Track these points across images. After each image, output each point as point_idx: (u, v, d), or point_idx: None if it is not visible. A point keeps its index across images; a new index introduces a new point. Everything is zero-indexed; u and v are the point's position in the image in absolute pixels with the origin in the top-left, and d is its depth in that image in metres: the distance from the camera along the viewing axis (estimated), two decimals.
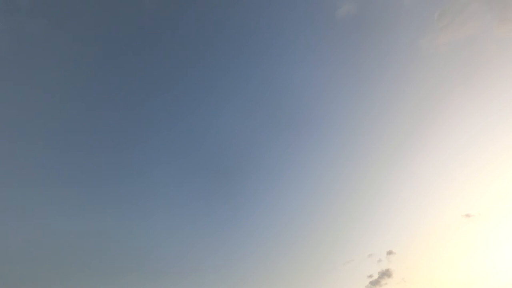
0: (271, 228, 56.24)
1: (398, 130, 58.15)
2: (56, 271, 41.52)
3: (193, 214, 54.29)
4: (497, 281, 43.41)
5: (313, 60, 60.35)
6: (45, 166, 46.13)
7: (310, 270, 51.47)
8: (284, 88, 61.57)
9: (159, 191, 53.73)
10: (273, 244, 54.56)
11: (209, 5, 55.81)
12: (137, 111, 55.61)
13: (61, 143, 48.16)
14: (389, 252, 49.40)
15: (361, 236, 54.02)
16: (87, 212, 46.82)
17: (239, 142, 60.28)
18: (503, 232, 47.10)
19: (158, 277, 46.08)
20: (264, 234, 55.57)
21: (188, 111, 58.97)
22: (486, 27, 50.40)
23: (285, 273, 51.20)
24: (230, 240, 53.69)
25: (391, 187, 56.53)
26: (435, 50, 54.42)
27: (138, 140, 55.22)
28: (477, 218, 49.19)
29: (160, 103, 57.51)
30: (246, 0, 57.45)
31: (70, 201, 46.40)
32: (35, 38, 44.42)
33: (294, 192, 59.64)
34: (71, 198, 46.56)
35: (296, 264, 52.67)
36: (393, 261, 48.77)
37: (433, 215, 52.19)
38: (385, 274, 47.87)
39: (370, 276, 48.21)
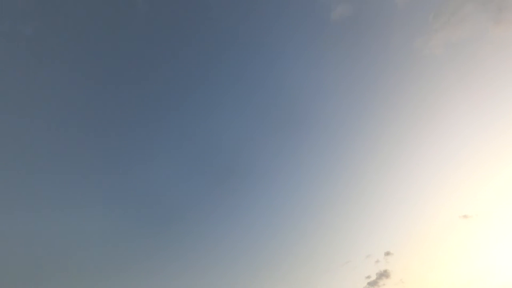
0: (267, 229, 56.36)
1: (394, 131, 58.44)
2: (56, 271, 41.66)
3: (190, 214, 54.41)
4: (495, 282, 43.55)
5: (308, 61, 60.68)
6: (44, 167, 46.39)
7: (307, 271, 51.51)
8: (280, 87, 61.96)
9: (155, 191, 53.74)
10: (269, 245, 54.63)
11: (205, 4, 55.73)
12: (132, 112, 55.64)
13: (60, 143, 48.19)
14: (387, 253, 49.51)
15: (358, 237, 54.11)
16: (87, 211, 47.13)
17: (235, 142, 60.59)
18: (501, 233, 47.36)
19: (157, 277, 46.19)
20: (261, 234, 55.71)
21: (183, 111, 59.12)
22: (481, 28, 50.82)
23: (282, 274, 51.23)
24: (226, 240, 53.70)
25: (388, 188, 56.79)
26: (430, 51, 54.76)
27: (134, 139, 55.28)
28: (474, 219, 49.47)
29: (155, 103, 57.54)
30: (241, 0, 57.37)
31: (70, 201, 46.71)
32: (28, 40, 44.44)
33: (290, 192, 59.82)
34: (71, 198, 46.90)
35: (293, 265, 52.73)
36: (391, 262, 48.88)
37: (431, 216, 52.41)
38: (383, 275, 47.91)
39: (368, 277, 48.28)
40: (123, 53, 53.38)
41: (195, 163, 58.10)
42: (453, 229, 50.13)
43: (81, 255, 44.52)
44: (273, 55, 60.53)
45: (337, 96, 61.66)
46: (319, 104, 62.00)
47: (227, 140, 59.98)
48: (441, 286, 46.17)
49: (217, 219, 54.87)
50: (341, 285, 48.93)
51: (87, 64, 50.33)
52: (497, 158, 50.93)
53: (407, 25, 56.17)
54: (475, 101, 52.95)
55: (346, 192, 58.70)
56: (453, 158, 54.18)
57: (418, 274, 48.02)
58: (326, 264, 52.20)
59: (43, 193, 45.29)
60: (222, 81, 60.33)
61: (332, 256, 52.97)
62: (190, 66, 58.79)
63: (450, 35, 52.18)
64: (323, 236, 55.12)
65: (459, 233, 49.61)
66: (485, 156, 52.24)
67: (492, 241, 47.69)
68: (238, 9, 57.71)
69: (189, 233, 53.08)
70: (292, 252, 53.87)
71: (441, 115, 54.76)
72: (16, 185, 43.39)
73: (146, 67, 55.72)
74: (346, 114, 61.30)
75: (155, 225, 51.75)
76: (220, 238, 53.36)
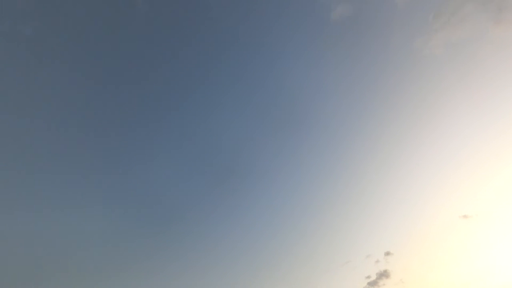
0: (267, 229, 56.39)
1: (394, 131, 58.45)
2: (57, 271, 41.66)
3: (190, 214, 54.42)
4: (495, 282, 43.60)
5: (308, 61, 60.68)
6: (44, 166, 46.34)
7: (307, 271, 51.54)
8: (280, 87, 61.94)
9: (155, 191, 53.73)
10: (269, 245, 54.66)
11: (204, 5, 55.73)
12: (132, 112, 55.60)
13: (60, 143, 48.12)
14: (387, 253, 49.53)
15: (358, 237, 54.14)
16: (87, 211, 47.11)
17: (235, 142, 60.58)
18: (501, 233, 47.37)
19: (158, 277, 46.21)
20: (261, 234, 55.74)
21: (183, 111, 59.08)
22: (481, 28, 50.81)
23: (281, 274, 51.25)
24: (226, 240, 53.73)
25: (388, 188, 56.82)
26: (430, 51, 54.74)
27: (134, 139, 55.24)
28: (474, 219, 49.47)
29: (155, 103, 57.50)
30: (241, 0, 57.38)
31: (71, 201, 46.69)
32: (28, 40, 44.44)
33: (290, 192, 59.82)
34: (71, 198, 46.87)
35: (293, 265, 52.77)
36: (391, 262, 48.89)
37: (431, 216, 52.45)
38: (383, 275, 47.91)
39: (368, 277, 48.28)
40: (123, 53, 53.46)
41: (195, 163, 58.22)
42: (453, 229, 50.33)
43: (81, 255, 44.68)
44: (273, 55, 60.62)
45: (337, 96, 61.77)
46: (318, 104, 62.09)
47: (226, 140, 60.15)
48: (441, 286, 46.30)
49: (217, 219, 55.05)
50: (341, 285, 49.06)
51: (87, 64, 50.40)
52: (497, 158, 51.12)
53: (407, 25, 56.21)
54: (475, 101, 53.11)
55: (346, 192, 58.87)
56: (453, 158, 54.39)
57: (418, 274, 48.18)
58: (326, 264, 52.38)
59: (44, 193, 45.37)
60: (221, 81, 60.42)
61: (332, 256, 53.15)
62: (190, 66, 58.86)
63: (450, 35, 52.19)
64: (323, 236, 55.30)
65: (459, 233, 49.82)
66: (485, 156, 52.44)
67: (492, 241, 47.89)
68: (238, 9, 57.79)
69: (189, 233, 53.28)
70: (292, 252, 54.06)
71: (441, 115, 54.92)
72: (16, 185, 43.43)
73: (146, 67, 55.78)
74: (346, 114, 61.42)
75: (155, 225, 51.89)
76: (220, 238, 53.55)
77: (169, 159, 56.91)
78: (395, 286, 46.85)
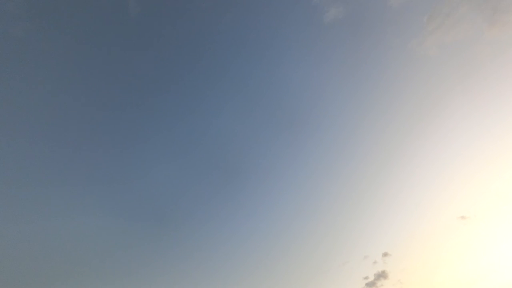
0: (267, 229, 56.64)
1: (391, 132, 58.83)
2: (57, 272, 41.75)
3: (192, 214, 54.79)
4: (493, 282, 43.54)
5: (307, 63, 60.98)
6: (42, 168, 46.66)
7: (305, 272, 51.70)
8: (280, 89, 62.66)
9: (159, 191, 53.97)
10: (269, 245, 54.93)
11: (208, 6, 55.67)
12: (136, 112, 56.44)
13: (59, 144, 48.61)
14: (385, 254, 49.66)
15: (356, 238, 54.33)
16: (88, 213, 47.28)
17: (237, 143, 61.06)
18: (499, 234, 47.47)
19: (158, 277, 46.33)
20: (261, 235, 55.94)
21: (188, 111, 59.88)
22: (476, 30, 51.32)
23: (280, 274, 51.38)
24: (227, 241, 54.02)
25: (386, 189, 57.01)
26: (424, 52, 55.12)
27: (138, 140, 56.00)
28: (472, 220, 49.57)
29: (160, 103, 58.47)
30: (245, 2, 57.22)
31: (71, 202, 46.86)
32: (20, 42, 44.40)
33: (289, 194, 60.12)
34: (72, 199, 47.04)
35: (291, 266, 52.94)
36: (388, 263, 48.99)
37: (429, 217, 52.64)
38: (381, 275, 47.99)
39: (366, 277, 48.36)
40: (121, 55, 53.14)
41: (198, 166, 58.80)
42: (451, 230, 50.43)
43: (87, 257, 44.80)
44: (276, 56, 61.42)
45: (333, 98, 62.21)
46: (314, 106, 62.59)
47: (229, 143, 60.64)
48: (439, 286, 46.50)
49: (218, 221, 55.41)
50: (339, 285, 49.17)
51: (83, 65, 50.35)
52: (495, 159, 51.28)
53: (401, 27, 56.74)
54: (470, 102, 53.42)
55: (344, 193, 59.16)
56: (451, 159, 54.60)
57: (416, 275, 48.24)
58: (324, 265, 52.55)
59: (53, 198, 45.49)
60: (224, 86, 61.26)
61: (330, 257, 53.31)
62: (195, 71, 58.90)
63: (445, 36, 52.62)
64: (321, 237, 55.47)
65: (457, 234, 49.84)
66: (482, 157, 52.60)
67: (490, 242, 47.97)
68: (244, 11, 57.97)
69: (191, 234, 53.55)
70: (291, 253, 54.24)
71: (437, 116, 55.16)
72: (24, 194, 43.52)
73: (149, 70, 55.84)
74: (341, 116, 61.86)
75: (160, 226, 52.21)
76: (221, 238, 53.88)
77: (174, 162, 57.77)
78: (393, 286, 47.03)
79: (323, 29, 58.56)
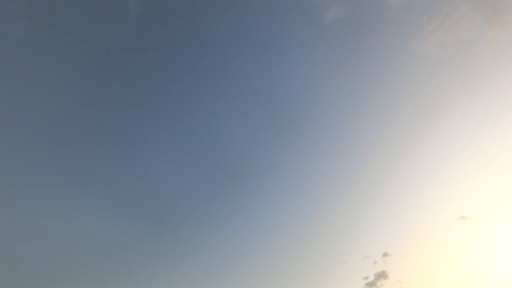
0: (267, 229, 56.73)
1: (391, 132, 58.85)
2: (57, 272, 41.83)
3: (192, 214, 54.83)
4: (492, 282, 43.61)
5: (307, 63, 61.11)
6: (42, 168, 46.67)
7: (305, 272, 51.71)
8: (280, 89, 62.86)
9: (159, 191, 54.02)
10: (269, 245, 54.96)
11: (208, 6, 55.84)
12: (136, 111, 56.41)
13: (59, 144, 48.64)
14: (385, 254, 49.68)
15: (356, 238, 54.35)
16: (88, 213, 47.33)
17: (237, 143, 61.03)
18: (499, 234, 47.48)
19: (158, 277, 46.36)
20: (261, 234, 56.01)
21: (187, 112, 59.92)
22: (476, 30, 51.33)
23: (280, 274, 51.40)
24: (226, 241, 54.08)
25: (386, 189, 57.00)
26: (424, 52, 55.11)
27: (138, 140, 56.02)
28: (472, 220, 49.57)
29: (160, 103, 58.46)
30: (245, 2, 57.28)
31: (71, 202, 46.92)
32: (20, 42, 44.46)
33: (290, 194, 60.19)
34: (72, 199, 47.09)
35: (291, 266, 52.95)
36: (388, 262, 49.02)
37: (429, 217, 52.64)
38: (381, 275, 48.00)
39: (366, 277, 48.38)
40: (124, 55, 53.49)
41: (199, 167, 58.91)
42: (451, 230, 50.45)
43: (87, 257, 44.86)
44: (275, 56, 61.39)
45: (332, 98, 62.23)
46: (314, 106, 62.64)
47: (229, 143, 60.62)
48: (439, 286, 46.53)
49: (218, 221, 55.50)
50: (339, 285, 49.17)
51: (86, 65, 50.66)
52: (495, 159, 51.32)
53: (401, 27, 56.70)
54: (470, 102, 53.42)
55: (344, 193, 59.16)
56: (451, 159, 54.59)
57: (416, 275, 48.26)
58: (324, 265, 52.57)
59: (53, 199, 45.60)
60: (223, 86, 61.34)
61: (330, 257, 53.35)
62: (194, 71, 59.07)
63: (445, 36, 52.64)
64: (321, 237, 55.50)
65: (457, 234, 49.87)
66: (482, 157, 52.62)
67: (490, 241, 47.97)
68: (245, 11, 58.12)
69: (190, 233, 53.59)
70: (290, 253, 54.26)
71: (436, 116, 55.16)
72: (24, 194, 43.65)
73: (151, 70, 56.06)
74: (341, 116, 61.90)
75: (160, 226, 52.27)
76: (220, 238, 53.92)
77: (174, 162, 57.82)
78: (393, 286, 47.04)
79: (323, 29, 58.73)
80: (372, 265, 49.35)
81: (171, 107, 58.69)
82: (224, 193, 57.58)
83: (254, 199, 58.39)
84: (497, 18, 47.33)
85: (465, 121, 53.56)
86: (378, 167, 57.95)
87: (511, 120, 49.91)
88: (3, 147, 42.66)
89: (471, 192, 52.05)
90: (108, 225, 47.41)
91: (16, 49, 44.45)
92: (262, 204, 58.15)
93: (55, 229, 43.71)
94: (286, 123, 62.72)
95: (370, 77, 59.63)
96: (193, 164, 58.19)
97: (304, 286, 49.53)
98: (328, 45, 59.52)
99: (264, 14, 58.36)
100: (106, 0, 49.72)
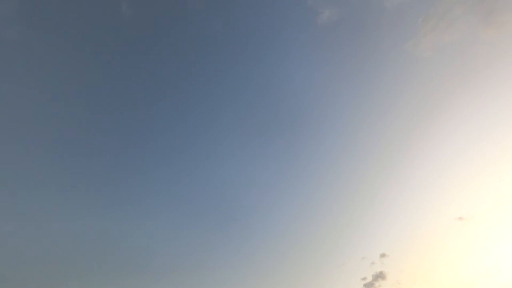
0: (264, 231, 56.97)
1: (388, 135, 59.08)
2: (58, 272, 42.23)
3: (193, 216, 54.93)
4: (490, 283, 43.83)
5: (301, 66, 61.18)
6: (42, 169, 46.52)
7: (303, 273, 51.91)
8: (276, 92, 62.61)
9: (160, 191, 54.51)
10: (266, 247, 55.19)
11: (201, 9, 55.70)
12: (136, 113, 56.28)
13: (60, 145, 48.82)
14: (382, 255, 49.84)
15: (353, 239, 54.71)
16: (89, 213, 47.67)
17: (236, 144, 60.80)
18: (496, 235, 47.66)
19: (159, 278, 46.72)
20: (258, 236, 56.20)
21: (188, 112, 59.92)
22: (471, 31, 51.59)
23: (277, 276, 51.57)
24: (225, 242, 54.35)
25: (383, 191, 57.16)
26: (420, 54, 55.27)
27: (138, 141, 56.08)
28: (470, 221, 49.71)
29: (160, 104, 58.40)
30: (237, 5, 57.10)
31: (72, 202, 47.22)
32: (14, 45, 44.50)
33: (288, 195, 60.38)
34: (72, 199, 47.42)
35: (289, 267, 53.21)
36: (386, 263, 49.22)
37: (426, 218, 52.90)
38: (379, 276, 48.16)
39: (364, 278, 48.59)
40: (120, 58, 53.35)
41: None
42: (448, 231, 50.60)
43: (87, 257, 45.26)
44: (264, 62, 61.56)
45: (327, 101, 62.39)
46: (310, 109, 62.60)
47: (231, 141, 60.42)
48: (437, 286, 46.72)
49: (217, 221, 55.58)
50: (337, 287, 49.40)
51: (80, 68, 50.32)
52: (492, 160, 51.52)
53: (396, 28, 56.84)
54: (467, 103, 53.61)
55: (341, 195, 59.52)
56: (448, 161, 54.79)
57: (414, 276, 48.41)
58: (322, 266, 52.89)
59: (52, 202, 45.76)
60: (219, 90, 61.14)
61: (328, 258, 53.66)
62: (189, 77, 59.25)
63: (440, 37, 52.87)
64: (319, 239, 55.74)
65: (454, 235, 50.05)
66: (478, 158, 52.84)
67: (487, 243, 48.14)
68: (245, 11, 57.74)
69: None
70: (288, 255, 54.56)
71: (433, 117, 55.37)
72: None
73: (147, 75, 56.25)
74: (337, 119, 62.03)
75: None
76: (220, 239, 54.18)
77: (174, 162, 57.68)
78: (391, 287, 47.26)
79: (317, 31, 58.79)
80: (370, 266, 49.64)
81: (170, 108, 59.05)
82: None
83: (252, 201, 58.66)
84: (493, 19, 47.73)
85: (462, 122, 53.94)
86: (375, 169, 58.33)
87: (508, 122, 50.39)
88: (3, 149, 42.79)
89: (469, 193, 52.38)
90: (107, 226, 47.93)
91: (9, 52, 44.52)
92: (260, 204, 58.56)
93: (52, 231, 44.20)
94: (283, 126, 63.14)
95: (365, 79, 59.88)
96: (195, 165, 58.43)
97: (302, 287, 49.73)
98: (322, 47, 59.74)
99: (256, 17, 58.43)
100: (98, 3, 49.43)
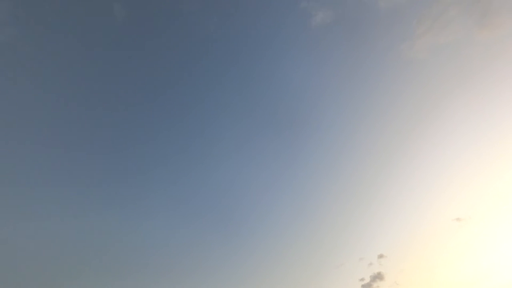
0: (263, 232, 56.97)
1: (384, 136, 59.31)
2: (58, 272, 42.41)
3: (192, 215, 55.04)
4: (488, 284, 43.78)
5: (297, 67, 61.47)
6: (40, 169, 46.78)
7: (301, 274, 51.82)
8: (273, 92, 62.75)
9: (159, 191, 54.66)
10: (264, 248, 55.15)
11: (196, 10, 55.63)
12: (133, 113, 56.48)
13: (60, 145, 48.98)
14: (380, 256, 49.81)
15: (351, 240, 54.59)
16: (88, 212, 47.84)
17: (235, 144, 61.06)
18: (494, 236, 47.65)
19: (158, 278, 46.75)
20: (257, 237, 56.20)
21: (187, 112, 60.10)
22: (466, 33, 52.04)
23: (275, 277, 51.52)
24: (224, 243, 54.35)
25: (381, 192, 57.18)
26: (414, 55, 55.56)
27: (137, 140, 56.30)
28: (468, 222, 49.62)
29: (157, 104, 58.54)
30: (232, 5, 57.20)
31: (71, 201, 47.49)
32: (6, 47, 44.64)
33: (286, 196, 60.43)
34: (72, 199, 47.63)
35: (286, 268, 53.13)
36: (384, 264, 49.15)
37: (424, 219, 52.90)
38: (377, 277, 48.08)
39: (362, 279, 48.49)
40: (116, 58, 53.48)
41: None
42: (446, 231, 50.56)
43: (87, 257, 45.39)
44: (259, 64, 61.65)
45: (322, 102, 62.73)
46: (304, 110, 62.78)
47: (230, 141, 60.41)
48: (435, 287, 46.70)
49: (216, 221, 55.72)
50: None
51: (74, 70, 50.04)
52: (489, 161, 51.64)
53: (391, 30, 57.15)
54: (463, 104, 53.90)
55: (339, 195, 59.54)
56: (445, 162, 54.93)
57: (412, 276, 48.34)
58: (319, 267, 52.79)
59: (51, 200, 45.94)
60: (216, 91, 61.35)
61: (326, 259, 53.60)
62: (183, 79, 59.24)
63: (434, 39, 53.25)
64: (317, 239, 55.69)
65: (452, 236, 49.97)
66: (476, 159, 52.95)
67: (485, 243, 48.16)
68: (244, 11, 58.00)
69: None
70: (286, 255, 54.47)
71: (430, 118, 55.62)
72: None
73: (140, 77, 55.77)
74: (334, 120, 62.23)
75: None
76: (219, 240, 54.08)
77: (174, 163, 57.95)
78: None
79: (312, 33, 59.04)
80: (368, 267, 49.55)
81: (169, 107, 59.29)
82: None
83: (250, 201, 58.69)
84: (488, 21, 48.25)
85: (458, 123, 54.17)
86: (372, 169, 58.47)
87: (505, 122, 50.65)
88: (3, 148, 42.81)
89: (467, 194, 52.46)
90: (106, 226, 48.12)
91: (2, 55, 44.49)
92: (259, 204, 58.63)
93: (51, 230, 44.50)
94: (280, 126, 63.36)
95: (360, 81, 60.15)
96: (194, 165, 58.43)
97: None
98: (317, 49, 60.02)
99: (251, 18, 58.69)
100: (91, 4, 49.42)
